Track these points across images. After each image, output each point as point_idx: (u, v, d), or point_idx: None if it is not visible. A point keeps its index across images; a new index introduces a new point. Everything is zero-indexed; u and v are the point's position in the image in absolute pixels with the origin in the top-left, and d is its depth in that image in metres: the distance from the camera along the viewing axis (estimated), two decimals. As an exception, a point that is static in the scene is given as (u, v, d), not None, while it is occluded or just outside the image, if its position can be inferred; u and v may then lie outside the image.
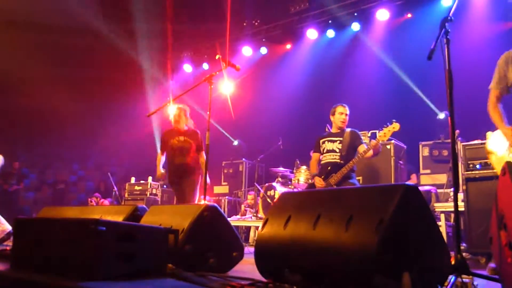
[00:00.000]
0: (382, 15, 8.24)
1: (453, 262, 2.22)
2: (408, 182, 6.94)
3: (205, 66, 11.02)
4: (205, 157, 4.41)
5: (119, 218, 3.27)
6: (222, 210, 2.84)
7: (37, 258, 2.56)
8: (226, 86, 9.33)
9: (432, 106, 7.72)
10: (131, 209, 3.38)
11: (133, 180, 9.76)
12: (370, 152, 4.88)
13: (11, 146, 10.96)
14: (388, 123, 4.91)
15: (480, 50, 6.75)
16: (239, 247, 2.92)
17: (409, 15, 8.27)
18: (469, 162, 4.73)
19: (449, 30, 2.41)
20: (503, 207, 1.93)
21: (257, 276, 2.39)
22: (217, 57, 3.96)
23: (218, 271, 2.73)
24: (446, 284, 2.06)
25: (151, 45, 10.33)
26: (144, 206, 3.50)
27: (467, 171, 4.71)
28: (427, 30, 7.21)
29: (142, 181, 9.59)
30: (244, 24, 10.13)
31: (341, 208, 2.08)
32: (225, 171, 9.58)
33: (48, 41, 9.97)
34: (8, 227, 4.77)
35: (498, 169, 2.92)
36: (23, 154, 12.26)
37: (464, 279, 2.20)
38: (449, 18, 2.43)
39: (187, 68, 11.26)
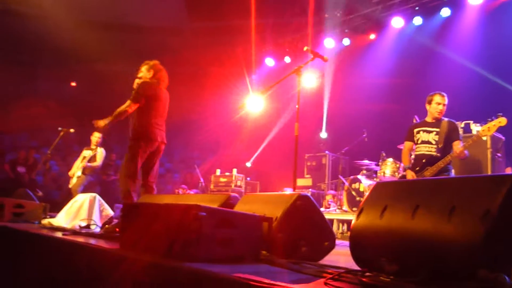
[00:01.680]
0: (475, -1, 7.75)
1: None
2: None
3: (287, 59, 11.08)
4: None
5: (214, 206, 3.44)
6: (314, 200, 2.87)
7: (143, 239, 2.78)
8: (312, 79, 9.33)
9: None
10: (225, 197, 3.53)
11: (218, 172, 10.12)
12: (463, 154, 4.62)
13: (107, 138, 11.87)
14: (493, 117, 4.61)
15: None
16: (330, 236, 2.94)
17: (508, -3, 7.69)
18: None
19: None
20: None
21: (350, 265, 2.40)
22: (305, 48, 4.00)
23: (310, 260, 2.78)
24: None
25: (236, 40, 10.60)
26: (236, 195, 3.64)
27: None
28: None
29: (227, 173, 9.90)
30: (326, 16, 10.04)
31: (441, 199, 2.02)
32: (308, 163, 9.61)
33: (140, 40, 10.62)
34: (111, 212, 5.19)
35: None
36: (117, 146, 13.19)
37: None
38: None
39: (269, 62, 11.41)
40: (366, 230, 2.33)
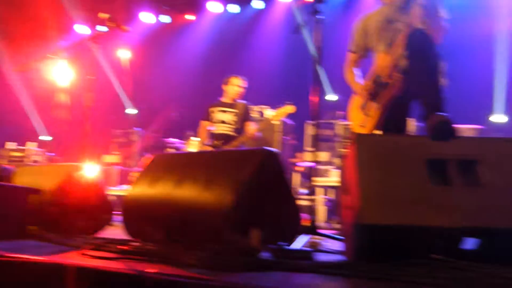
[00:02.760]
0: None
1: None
2: (298, 160, 7.38)
3: (101, 28, 10.45)
4: None
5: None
6: (97, 171, 2.78)
7: None
8: (123, 51, 8.97)
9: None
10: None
11: (11, 145, 9.05)
12: (255, 135, 5.05)
13: None
14: (282, 104, 5.04)
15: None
16: (108, 209, 2.90)
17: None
18: (345, 140, 5.13)
19: (319, 10, 2.59)
20: (347, 174, 2.16)
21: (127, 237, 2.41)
22: (101, 15, 3.76)
23: (88, 233, 2.70)
24: (294, 242, 2.26)
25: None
26: (9, 167, 3.30)
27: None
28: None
29: (21, 147, 8.94)
30: (145, -12, 9.78)
31: (205, 170, 2.17)
32: (117, 140, 9.28)
33: None
34: None
35: (354, 126, 3.15)
36: None
37: (315, 240, 2.45)
38: (322, -1, 2.60)
39: (81, 29, 10.60)
40: (138, 200, 2.37)
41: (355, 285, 1.52)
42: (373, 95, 2.89)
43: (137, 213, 2.36)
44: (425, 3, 2.57)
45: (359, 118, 3.07)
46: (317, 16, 2.62)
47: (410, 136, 2.63)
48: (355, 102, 3.16)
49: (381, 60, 2.89)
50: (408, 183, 1.76)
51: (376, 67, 2.96)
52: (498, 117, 6.56)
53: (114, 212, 2.99)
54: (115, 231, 2.79)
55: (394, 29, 2.83)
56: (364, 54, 3.20)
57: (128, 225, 2.38)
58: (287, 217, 2.19)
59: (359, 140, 1.89)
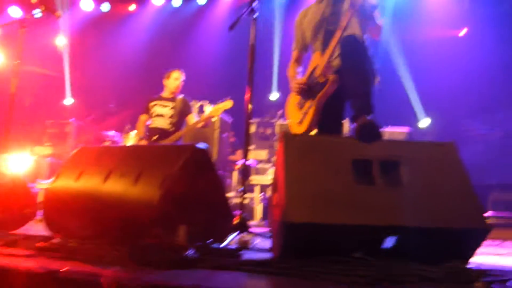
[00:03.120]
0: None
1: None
2: (237, 158, 7.38)
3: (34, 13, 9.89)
4: None
5: None
6: (23, 162, 2.63)
7: None
8: (60, 38, 8.53)
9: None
10: None
11: None
12: (200, 124, 4.98)
13: None
14: (221, 99, 5.04)
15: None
16: (31, 204, 2.75)
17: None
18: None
19: (256, 8, 2.59)
20: (277, 173, 2.18)
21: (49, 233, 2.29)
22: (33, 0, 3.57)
23: (6, 229, 2.55)
24: (226, 240, 2.25)
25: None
26: None
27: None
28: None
29: None
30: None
31: (133, 164, 2.11)
32: (50, 130, 8.83)
33: None
34: None
35: (292, 126, 3.19)
36: None
37: (245, 237, 2.45)
38: (257, -3, 2.60)
39: (15, 12, 9.98)
40: (61, 194, 2.25)
41: (277, 283, 1.53)
42: (307, 93, 2.93)
43: (60, 208, 2.24)
44: (359, 3, 2.58)
45: (296, 116, 3.11)
46: (253, 15, 2.61)
47: (338, 137, 2.70)
48: (293, 99, 3.19)
49: (317, 59, 2.92)
50: (333, 182, 1.80)
51: (312, 65, 2.98)
52: (424, 121, 6.98)
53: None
54: (40, 226, 2.65)
55: (328, 30, 2.87)
56: (305, 51, 3.22)
57: (50, 220, 2.26)
58: (217, 215, 2.18)
59: (287, 139, 1.91)
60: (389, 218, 1.69)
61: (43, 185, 7.30)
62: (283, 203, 1.75)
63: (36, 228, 2.74)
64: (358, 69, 2.49)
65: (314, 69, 2.92)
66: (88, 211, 2.12)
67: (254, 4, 2.58)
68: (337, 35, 2.61)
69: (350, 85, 2.50)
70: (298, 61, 3.26)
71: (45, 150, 8.59)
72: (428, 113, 7.02)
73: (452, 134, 7.26)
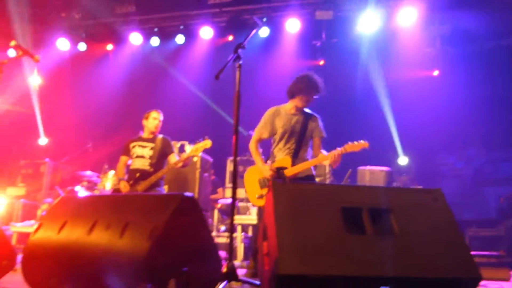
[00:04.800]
0: (206, 33, 8.54)
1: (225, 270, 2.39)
2: (218, 197, 7.31)
3: (12, 53, 9.82)
4: None
5: None
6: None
7: None
8: (34, 78, 8.42)
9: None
10: None
11: None
12: (180, 164, 4.94)
13: None
14: (201, 139, 5.04)
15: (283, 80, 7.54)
16: (10, 255, 2.63)
17: (231, 38, 8.74)
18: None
19: (241, 56, 2.63)
20: (266, 221, 2.17)
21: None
22: (12, 43, 3.55)
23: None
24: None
25: None
26: None
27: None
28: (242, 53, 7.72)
29: None
30: (63, 15, 9.39)
31: (119, 215, 2.06)
32: (23, 171, 8.60)
33: None
34: None
35: (250, 196, 3.83)
36: None
37: (233, 286, 2.39)
38: (242, 45, 2.67)
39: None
40: (41, 246, 2.17)
41: None
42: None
43: (40, 262, 2.16)
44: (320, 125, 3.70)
45: (256, 190, 3.77)
46: (237, 61, 2.66)
47: (326, 185, 2.73)
48: (255, 174, 3.79)
49: (283, 160, 3.66)
50: (325, 232, 1.80)
51: (280, 162, 3.67)
52: (402, 159, 7.14)
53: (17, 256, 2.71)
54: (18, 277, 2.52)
55: (297, 140, 3.69)
56: (268, 138, 3.87)
57: (29, 274, 2.17)
58: (206, 263, 2.13)
59: (276, 187, 1.91)
60: (381, 269, 1.68)
61: (16, 228, 7.05)
62: (275, 254, 1.73)
63: (14, 279, 2.61)
64: None
65: (282, 168, 3.63)
66: (71, 264, 2.04)
67: (239, 51, 2.62)
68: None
69: None
70: (260, 141, 3.89)
71: (19, 191, 8.34)
72: (406, 150, 7.18)
73: (429, 169, 7.43)
